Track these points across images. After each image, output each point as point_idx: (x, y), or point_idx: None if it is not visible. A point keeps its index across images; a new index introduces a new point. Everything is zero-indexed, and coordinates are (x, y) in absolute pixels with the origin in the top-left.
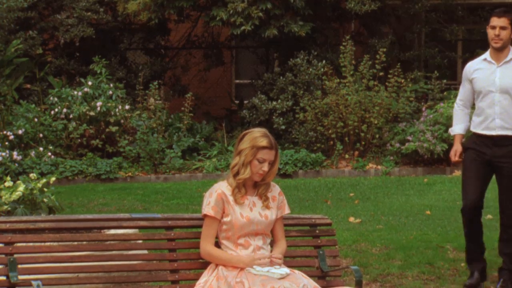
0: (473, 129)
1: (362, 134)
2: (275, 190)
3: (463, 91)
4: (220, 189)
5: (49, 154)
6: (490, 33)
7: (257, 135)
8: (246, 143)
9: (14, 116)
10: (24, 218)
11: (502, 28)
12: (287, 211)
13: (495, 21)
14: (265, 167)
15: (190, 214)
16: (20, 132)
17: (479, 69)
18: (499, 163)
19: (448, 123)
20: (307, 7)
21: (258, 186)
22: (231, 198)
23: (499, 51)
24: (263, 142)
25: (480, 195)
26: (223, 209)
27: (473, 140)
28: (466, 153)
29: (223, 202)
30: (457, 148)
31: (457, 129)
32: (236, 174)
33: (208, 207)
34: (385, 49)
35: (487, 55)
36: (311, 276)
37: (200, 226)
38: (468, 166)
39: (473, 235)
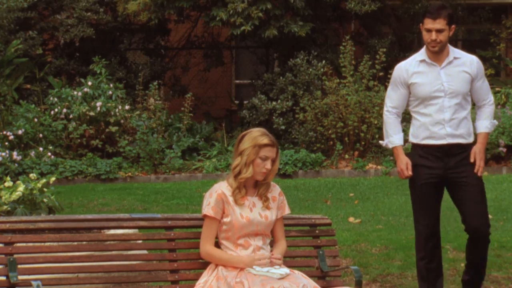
0: (416, 141)
1: (362, 134)
2: (275, 190)
3: (397, 96)
4: (220, 190)
5: (49, 154)
6: (425, 36)
7: (257, 134)
8: (247, 143)
9: (14, 116)
10: (24, 218)
11: (439, 31)
12: (287, 211)
13: (430, 23)
14: (268, 165)
15: (190, 214)
16: (20, 132)
17: (420, 73)
18: (454, 174)
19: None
20: (307, 7)
21: (258, 187)
22: (231, 199)
23: (439, 52)
24: (265, 140)
25: (435, 220)
26: (223, 210)
27: (417, 154)
28: (414, 172)
29: (223, 202)
30: (406, 160)
31: (396, 140)
32: (238, 174)
33: (208, 207)
34: (385, 49)
35: (423, 55)
36: (311, 276)
37: (200, 226)
38: (418, 189)
39: (429, 272)
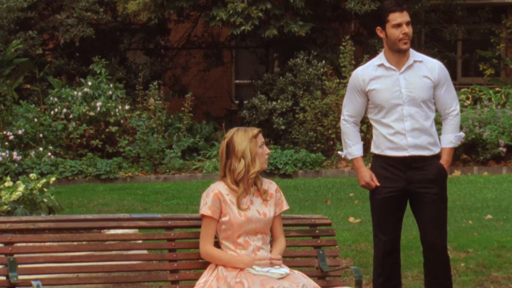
0: (377, 151)
1: (362, 134)
2: (272, 187)
3: (354, 106)
4: (216, 189)
5: (49, 154)
6: (395, 33)
7: (243, 131)
8: (243, 142)
9: (14, 116)
10: (24, 218)
11: (408, 23)
12: (285, 207)
13: (398, 17)
14: (267, 149)
15: (190, 214)
16: (20, 132)
17: (378, 78)
18: (418, 189)
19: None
20: (307, 7)
21: (255, 183)
22: (228, 198)
23: (402, 54)
24: (254, 130)
25: (396, 236)
26: (220, 209)
27: (378, 165)
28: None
29: (220, 201)
30: (369, 173)
31: (355, 151)
32: (245, 175)
33: (205, 207)
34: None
35: (382, 59)
36: (311, 276)
37: (200, 226)
38: (377, 203)
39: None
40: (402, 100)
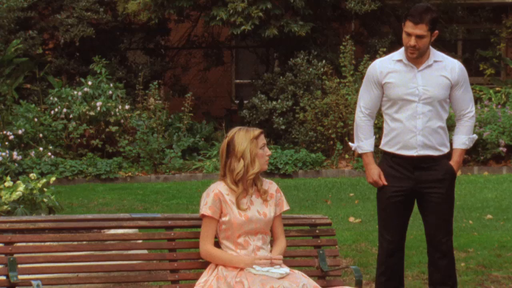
0: (386, 149)
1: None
2: (272, 187)
3: (370, 97)
4: (217, 189)
5: (49, 154)
6: (405, 39)
7: (245, 131)
8: (243, 143)
9: (14, 116)
10: (24, 218)
11: (419, 37)
12: (286, 207)
13: (410, 27)
14: (268, 151)
15: (190, 214)
16: (20, 132)
17: (395, 72)
18: (426, 189)
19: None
20: (307, 7)
21: (255, 183)
22: (228, 198)
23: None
24: (255, 131)
25: (401, 236)
26: (220, 209)
27: (387, 164)
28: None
29: (220, 201)
30: (378, 170)
31: (366, 145)
32: (243, 175)
33: (206, 207)
34: (385, 49)
35: (401, 55)
36: (311, 276)
37: (200, 226)
38: (385, 202)
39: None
40: (417, 97)
